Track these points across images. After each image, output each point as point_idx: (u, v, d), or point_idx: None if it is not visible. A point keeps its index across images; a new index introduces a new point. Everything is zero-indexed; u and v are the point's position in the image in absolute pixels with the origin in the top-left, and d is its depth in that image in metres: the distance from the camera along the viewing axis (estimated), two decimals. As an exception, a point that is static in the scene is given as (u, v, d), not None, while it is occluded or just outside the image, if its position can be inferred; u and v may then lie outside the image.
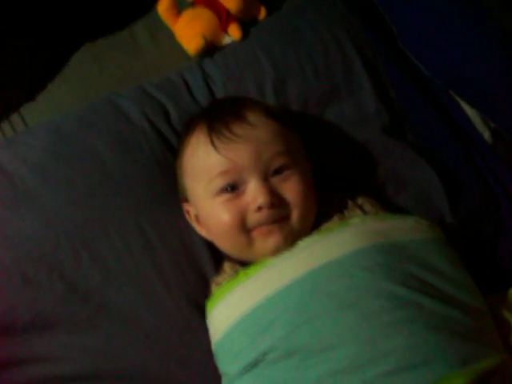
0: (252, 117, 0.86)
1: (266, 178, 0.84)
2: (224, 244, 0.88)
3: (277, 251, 0.83)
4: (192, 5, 1.08)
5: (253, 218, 0.83)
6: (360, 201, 0.92)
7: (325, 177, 0.96)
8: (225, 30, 1.06)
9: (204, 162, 0.85)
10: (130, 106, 0.98)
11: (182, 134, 0.94)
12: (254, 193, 0.83)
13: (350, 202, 0.91)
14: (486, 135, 1.06)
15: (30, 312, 0.86)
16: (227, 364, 0.81)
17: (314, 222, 0.87)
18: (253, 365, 0.77)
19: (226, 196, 0.84)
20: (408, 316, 0.73)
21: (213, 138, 0.84)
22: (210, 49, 1.05)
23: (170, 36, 1.08)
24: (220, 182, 0.83)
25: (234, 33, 1.05)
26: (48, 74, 1.04)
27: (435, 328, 0.72)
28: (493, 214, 1.01)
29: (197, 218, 0.90)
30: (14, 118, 1.02)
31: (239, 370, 0.78)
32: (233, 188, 0.83)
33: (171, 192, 0.93)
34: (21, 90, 1.02)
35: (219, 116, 0.87)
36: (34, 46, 1.03)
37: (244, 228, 0.83)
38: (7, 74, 1.01)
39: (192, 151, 0.88)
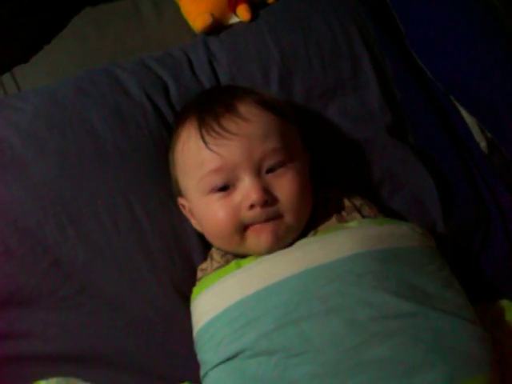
0: (244, 109, 0.83)
1: (258, 174, 0.81)
2: (217, 241, 0.87)
3: (270, 250, 0.81)
4: (201, -20, 1.05)
5: (246, 216, 0.81)
6: (358, 203, 0.90)
7: (321, 170, 0.95)
8: (233, 10, 1.03)
9: (195, 158, 0.83)
10: (129, 79, 0.94)
11: (174, 126, 0.91)
12: (246, 190, 0.80)
13: (347, 203, 0.89)
14: (483, 145, 1.06)
15: (10, 286, 0.84)
16: (206, 352, 0.79)
17: (311, 219, 0.86)
18: (232, 357, 0.75)
19: (219, 194, 0.82)
20: (395, 327, 0.72)
21: (203, 133, 0.82)
22: (217, 27, 1.02)
23: (175, 9, 1.04)
24: (212, 181, 0.81)
25: (242, 14, 1.02)
26: (44, 36, 1.00)
27: (422, 341, 0.71)
28: (483, 224, 1.01)
29: (191, 212, 0.88)
30: (6, 78, 0.99)
31: (218, 360, 0.77)
32: (225, 187, 0.82)
33: (165, 174, 0.91)
34: (14, 50, 0.98)
35: (210, 108, 0.84)
36: (31, 6, 0.98)
37: (238, 226, 0.81)
38: (1, 33, 0.96)
39: (183, 146, 0.85)
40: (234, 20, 1.03)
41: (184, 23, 1.04)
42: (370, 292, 0.75)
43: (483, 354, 0.74)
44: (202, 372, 0.80)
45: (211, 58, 0.99)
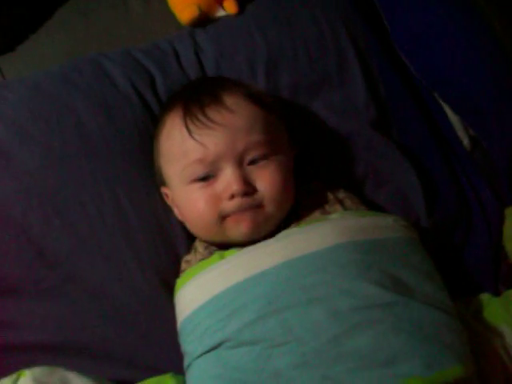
0: (230, 100, 0.84)
1: (240, 165, 0.82)
2: (197, 230, 0.87)
3: (249, 237, 0.82)
4: (189, -28, 1.05)
5: (226, 205, 0.82)
6: (341, 195, 0.91)
7: (307, 164, 0.95)
8: (220, 3, 1.03)
9: (179, 147, 0.83)
10: (115, 70, 0.95)
11: (159, 114, 0.92)
12: (227, 180, 0.81)
13: (330, 196, 0.90)
14: (465, 142, 1.07)
15: (-6, 276, 0.83)
16: (190, 343, 0.79)
17: (294, 211, 0.87)
18: (215, 347, 0.76)
19: (201, 183, 0.83)
20: (376, 316, 0.73)
21: (187, 122, 0.82)
22: (203, 20, 1.02)
23: (162, 1, 1.04)
24: (194, 170, 0.82)
25: (229, 7, 1.02)
26: (31, 26, 1.00)
27: (403, 330, 0.72)
28: (464, 219, 1.02)
29: (174, 201, 0.89)
30: (-9, 67, 0.98)
31: (201, 351, 0.77)
32: (207, 177, 0.82)
33: (150, 165, 0.91)
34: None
35: (196, 98, 0.85)
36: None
37: (218, 216, 0.82)
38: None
39: (167, 134, 0.86)
40: (221, 13, 1.03)
41: (171, 15, 1.04)
42: (352, 282, 0.75)
43: (460, 346, 0.75)
44: (185, 363, 0.80)
45: (198, 50, 1.00)
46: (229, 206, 0.81)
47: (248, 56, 0.99)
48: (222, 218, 0.82)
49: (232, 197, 0.81)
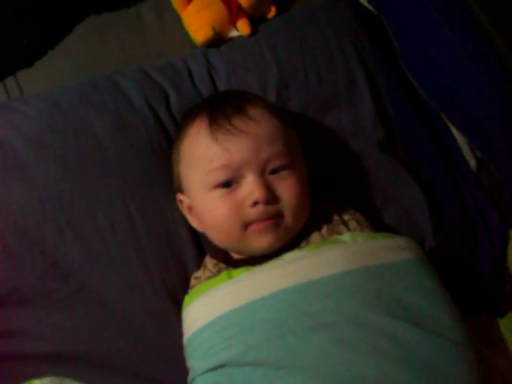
0: (254, 111, 0.86)
1: (263, 174, 0.83)
2: (217, 236, 0.87)
3: (267, 251, 0.83)
4: (204, -7, 1.07)
5: (248, 213, 0.82)
6: (346, 217, 0.91)
7: (315, 182, 0.96)
8: (233, 24, 1.05)
9: (203, 153, 0.84)
10: (131, 87, 0.96)
11: (182, 122, 0.93)
12: (250, 188, 0.82)
13: (336, 217, 0.90)
14: (472, 163, 1.08)
15: (7, 285, 0.85)
16: (195, 359, 0.80)
17: (303, 229, 0.87)
18: (219, 366, 0.76)
19: (222, 190, 0.83)
20: (381, 348, 0.72)
21: (213, 129, 0.84)
22: (217, 40, 1.04)
23: (177, 21, 1.07)
24: (218, 177, 0.83)
25: (242, 28, 1.04)
26: (49, 42, 1.02)
27: (407, 363, 0.71)
28: (470, 239, 1.03)
29: (189, 208, 0.90)
30: (9, 82, 1.00)
31: (205, 368, 0.77)
32: (230, 184, 0.83)
33: (163, 182, 0.93)
34: (18, 53, 0.99)
35: (221, 108, 0.86)
36: (36, 11, 0.99)
37: (240, 223, 0.82)
38: (6, 36, 0.97)
39: (191, 140, 0.87)
40: (234, 33, 1.05)
41: (185, 34, 1.06)
42: (358, 310, 0.75)
43: (469, 377, 0.74)
44: (189, 378, 0.81)
45: (211, 69, 1.02)
46: (251, 212, 0.82)
47: (259, 76, 1.01)
48: (245, 226, 0.83)
49: (254, 204, 0.81)
